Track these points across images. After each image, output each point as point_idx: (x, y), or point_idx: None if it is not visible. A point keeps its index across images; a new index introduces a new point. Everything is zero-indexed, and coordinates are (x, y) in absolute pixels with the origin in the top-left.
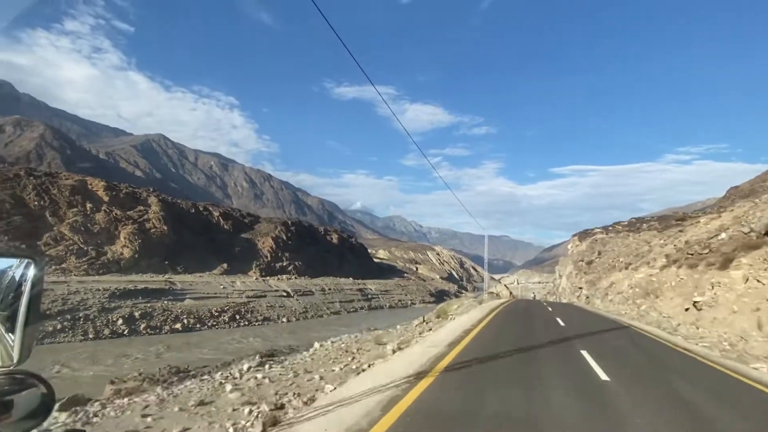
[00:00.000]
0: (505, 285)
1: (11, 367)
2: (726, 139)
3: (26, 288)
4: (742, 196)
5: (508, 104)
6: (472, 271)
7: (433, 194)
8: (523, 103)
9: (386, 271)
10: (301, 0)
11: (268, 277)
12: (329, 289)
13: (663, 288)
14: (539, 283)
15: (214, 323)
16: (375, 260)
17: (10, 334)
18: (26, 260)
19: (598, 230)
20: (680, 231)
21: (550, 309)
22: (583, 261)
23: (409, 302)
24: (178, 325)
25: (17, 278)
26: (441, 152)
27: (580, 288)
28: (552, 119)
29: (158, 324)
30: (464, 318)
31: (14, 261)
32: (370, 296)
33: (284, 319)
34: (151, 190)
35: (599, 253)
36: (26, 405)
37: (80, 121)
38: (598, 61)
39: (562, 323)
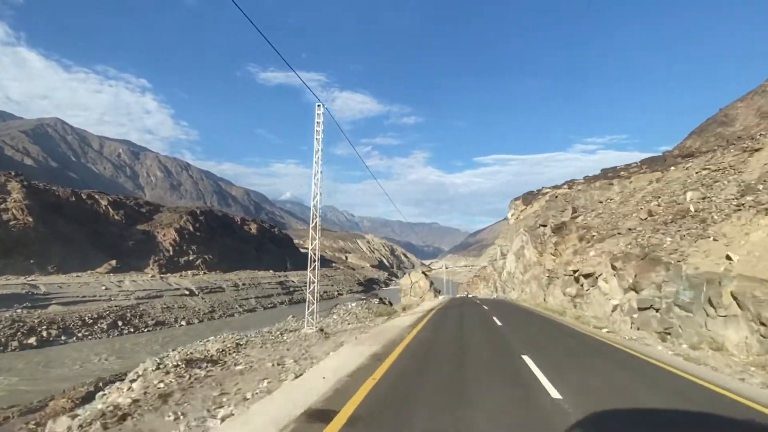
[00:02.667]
0: (423, 272)
1: None
2: (626, 130)
3: None
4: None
5: (435, 95)
6: (402, 257)
7: (364, 183)
8: (449, 94)
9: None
10: None
11: (168, 274)
12: (244, 285)
13: None
14: (465, 266)
15: (87, 333)
16: (302, 251)
17: None
18: None
19: (547, 189)
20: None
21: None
22: (546, 226)
23: (336, 293)
24: (32, 340)
25: None
26: (372, 141)
27: (550, 271)
28: (476, 111)
29: (0, 340)
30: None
31: None
32: (292, 289)
33: (183, 322)
34: (13, 174)
35: (575, 211)
36: None
37: None
38: (517, 57)
39: None
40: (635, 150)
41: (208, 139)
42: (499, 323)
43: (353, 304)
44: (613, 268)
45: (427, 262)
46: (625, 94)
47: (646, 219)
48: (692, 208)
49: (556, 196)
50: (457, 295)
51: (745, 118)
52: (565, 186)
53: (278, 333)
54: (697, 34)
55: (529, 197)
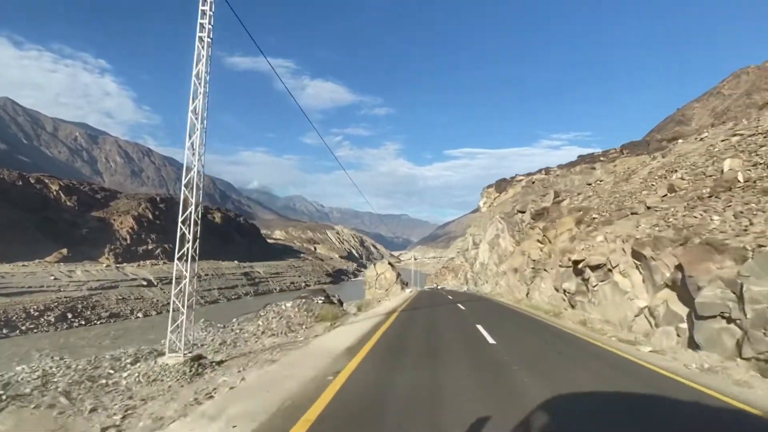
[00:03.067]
0: (389, 263)
1: None
2: (589, 128)
3: None
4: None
5: (408, 87)
6: (372, 248)
7: (335, 174)
8: (422, 86)
9: (281, 252)
10: None
11: (125, 264)
12: (206, 275)
13: None
14: (434, 258)
15: (33, 326)
16: (269, 241)
17: None
18: None
19: (521, 176)
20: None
21: None
22: (524, 212)
23: (303, 284)
24: None
25: None
26: (343, 131)
27: (535, 261)
28: (447, 103)
29: None
30: None
31: None
32: (257, 280)
33: (140, 314)
34: None
35: (557, 196)
36: None
37: None
38: (486, 52)
39: None
40: (598, 147)
41: (171, 125)
42: (489, 338)
43: (289, 304)
44: (637, 256)
45: (396, 254)
46: (591, 91)
47: (667, 196)
48: (740, 178)
49: (533, 182)
50: (426, 287)
51: (701, 117)
52: (542, 172)
53: (126, 363)
54: (663, 35)
55: (503, 184)
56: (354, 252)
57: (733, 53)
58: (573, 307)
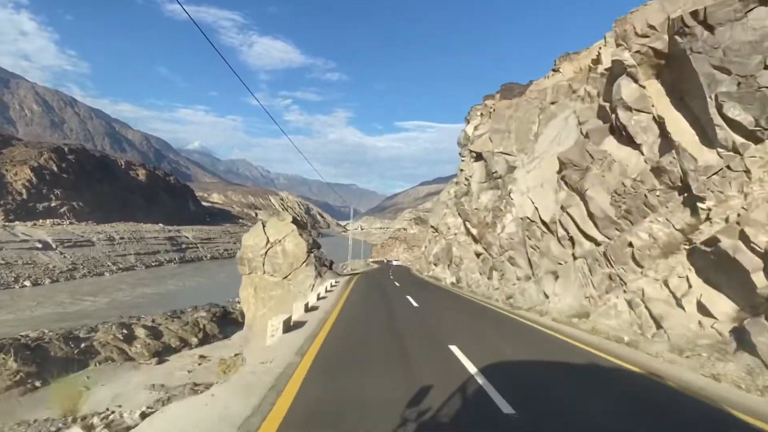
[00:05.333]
0: (296, 221)
1: None
2: None
3: None
4: None
5: (361, 52)
6: (318, 217)
7: (282, 139)
8: (375, 52)
9: (216, 216)
10: None
11: (17, 223)
12: (122, 239)
13: None
14: (380, 228)
15: None
16: (205, 204)
17: None
18: None
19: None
20: None
21: None
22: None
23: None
24: None
25: None
26: (292, 95)
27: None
28: (399, 74)
29: None
30: None
31: None
32: (184, 246)
33: (27, 282)
34: None
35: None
36: None
37: None
38: (439, 24)
39: None
40: None
41: (102, 74)
42: None
43: None
44: None
45: (343, 223)
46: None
47: None
48: None
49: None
50: (370, 262)
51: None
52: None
53: None
54: None
55: (512, 91)
56: (299, 220)
57: None
58: None
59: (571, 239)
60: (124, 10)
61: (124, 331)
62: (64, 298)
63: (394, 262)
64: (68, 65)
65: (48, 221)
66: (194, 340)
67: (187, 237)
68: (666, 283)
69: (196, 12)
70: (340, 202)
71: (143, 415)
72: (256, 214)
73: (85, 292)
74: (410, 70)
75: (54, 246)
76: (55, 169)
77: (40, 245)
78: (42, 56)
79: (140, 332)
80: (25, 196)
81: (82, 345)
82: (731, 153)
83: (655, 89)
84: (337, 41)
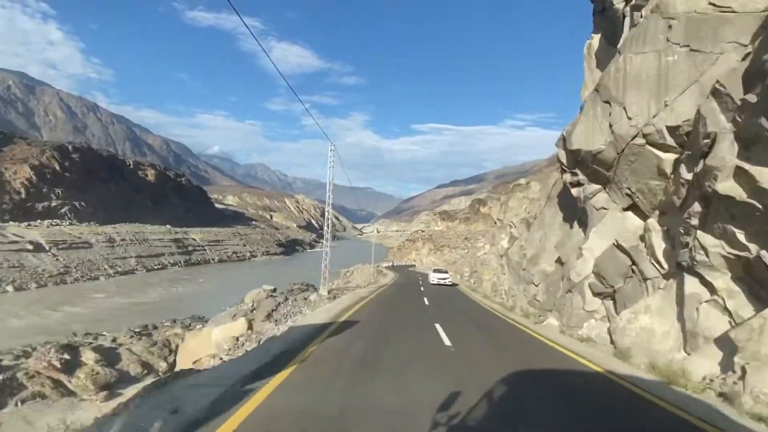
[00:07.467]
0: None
1: None
2: (553, 109)
3: None
4: None
5: (379, 56)
6: (334, 220)
7: (301, 143)
8: (393, 57)
9: (230, 218)
10: None
11: (11, 223)
12: (123, 240)
13: None
14: (397, 231)
15: None
16: (218, 206)
17: None
18: None
19: None
20: None
21: None
22: None
23: (248, 254)
24: None
25: None
26: (310, 99)
27: None
28: (415, 77)
29: None
30: None
31: None
32: (191, 248)
33: (9, 287)
34: None
35: None
36: None
37: None
38: (455, 27)
39: None
40: (559, 129)
41: (125, 82)
42: None
43: None
44: None
45: (359, 226)
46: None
47: None
48: None
49: None
50: (383, 268)
51: None
52: None
53: None
54: None
55: None
56: (314, 222)
57: None
58: None
59: None
60: (147, 18)
61: (66, 356)
62: (37, 308)
63: (434, 277)
64: (93, 73)
65: (45, 222)
66: (162, 366)
67: (194, 239)
68: None
69: (218, 20)
70: (356, 205)
71: None
72: (271, 216)
73: (58, 301)
74: (426, 74)
75: (47, 248)
76: (57, 167)
77: (31, 247)
78: (68, 64)
79: (89, 357)
80: (23, 196)
81: (1, 377)
82: None
83: None
84: (355, 45)
